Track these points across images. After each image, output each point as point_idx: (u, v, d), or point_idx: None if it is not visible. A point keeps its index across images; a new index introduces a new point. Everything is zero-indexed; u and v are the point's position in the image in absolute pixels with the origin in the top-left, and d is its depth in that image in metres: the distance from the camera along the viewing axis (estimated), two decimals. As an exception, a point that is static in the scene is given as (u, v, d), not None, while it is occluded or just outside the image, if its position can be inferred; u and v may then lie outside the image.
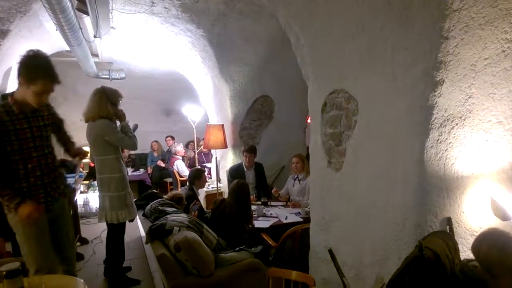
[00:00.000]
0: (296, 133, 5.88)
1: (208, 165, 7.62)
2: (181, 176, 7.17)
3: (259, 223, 4.05)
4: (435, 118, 2.02)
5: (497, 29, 1.87)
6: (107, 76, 6.91)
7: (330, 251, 2.94)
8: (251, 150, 5.14)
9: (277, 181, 5.54)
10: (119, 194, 3.65)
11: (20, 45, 4.21)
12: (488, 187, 2.12)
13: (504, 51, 1.91)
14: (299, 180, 4.89)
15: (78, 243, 5.01)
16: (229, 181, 5.25)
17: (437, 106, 2.00)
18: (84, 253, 4.67)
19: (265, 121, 5.68)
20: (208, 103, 6.21)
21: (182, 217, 3.36)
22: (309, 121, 6.62)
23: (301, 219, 4.17)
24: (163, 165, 8.25)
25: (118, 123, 3.78)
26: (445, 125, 2.04)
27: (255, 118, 5.62)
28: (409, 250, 2.14)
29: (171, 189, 7.63)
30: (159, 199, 3.96)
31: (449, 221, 2.13)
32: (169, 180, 7.94)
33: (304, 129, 5.99)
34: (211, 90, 5.83)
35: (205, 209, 4.82)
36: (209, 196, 5.39)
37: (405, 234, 2.18)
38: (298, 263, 3.52)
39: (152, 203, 3.89)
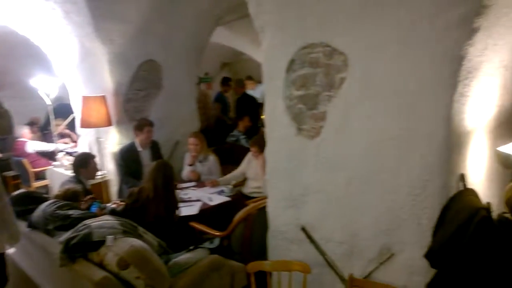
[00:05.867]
0: (188, 104, 5.21)
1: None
2: (34, 167, 5.60)
3: (183, 211, 3.40)
4: (463, 69, 1.86)
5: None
6: None
7: (304, 229, 2.62)
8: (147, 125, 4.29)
9: (173, 159, 4.83)
10: None
11: None
12: (493, 139, 2.13)
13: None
14: (200, 162, 4.34)
15: None
16: (121, 166, 4.32)
17: (467, 56, 1.84)
18: None
19: (153, 90, 4.81)
20: (69, 71, 4.87)
21: (109, 220, 2.49)
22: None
23: (228, 198, 3.71)
24: (-2, 155, 6.31)
25: None
26: (468, 78, 1.91)
27: (141, 88, 4.69)
28: (433, 214, 1.99)
29: (17, 184, 5.96)
30: (52, 201, 2.87)
31: (463, 177, 2.06)
32: (9, 173, 6.14)
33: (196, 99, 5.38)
34: (76, 55, 4.58)
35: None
36: (94, 187, 4.30)
37: (427, 197, 2.01)
38: (250, 250, 3.08)
39: (43, 207, 2.80)
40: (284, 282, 2.35)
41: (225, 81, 7.52)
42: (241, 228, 3.03)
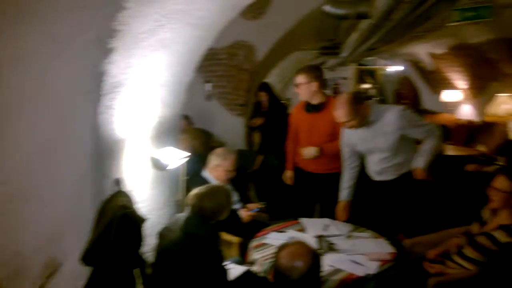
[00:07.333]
0: None
1: None
2: None
3: None
4: (106, 84, 2.09)
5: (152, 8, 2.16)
6: None
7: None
8: None
9: None
10: None
11: None
12: (147, 145, 2.48)
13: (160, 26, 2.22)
14: None
15: None
16: None
17: (110, 73, 2.08)
18: None
19: None
20: None
21: None
22: None
23: None
24: None
25: None
26: (113, 92, 2.16)
27: None
28: (91, 217, 2.13)
29: None
30: None
31: (118, 181, 2.30)
32: None
33: None
34: None
35: None
36: None
37: (85, 202, 2.14)
38: None
39: None
40: None
41: None
42: None
